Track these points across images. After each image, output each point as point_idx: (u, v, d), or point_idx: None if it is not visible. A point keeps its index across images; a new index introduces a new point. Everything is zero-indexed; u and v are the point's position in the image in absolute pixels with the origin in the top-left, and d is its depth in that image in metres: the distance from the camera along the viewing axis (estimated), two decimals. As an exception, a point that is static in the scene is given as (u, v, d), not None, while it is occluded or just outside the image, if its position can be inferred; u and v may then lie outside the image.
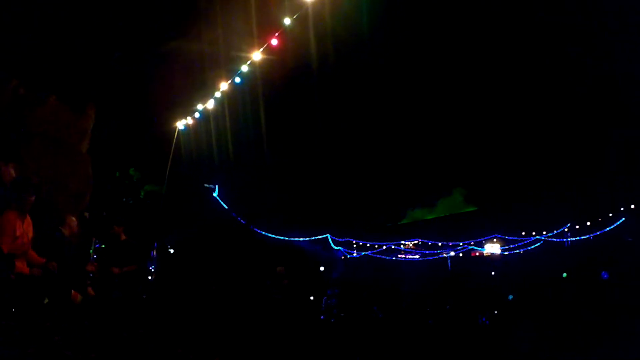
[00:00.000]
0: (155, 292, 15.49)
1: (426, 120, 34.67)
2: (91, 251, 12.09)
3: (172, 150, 17.85)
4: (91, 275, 11.25)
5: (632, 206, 42.00)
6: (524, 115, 35.11)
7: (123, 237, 12.23)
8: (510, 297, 21.95)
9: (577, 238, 45.42)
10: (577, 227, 46.29)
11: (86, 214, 12.53)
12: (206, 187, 25.28)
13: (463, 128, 35.43)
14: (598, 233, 42.87)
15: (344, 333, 19.36)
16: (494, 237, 50.40)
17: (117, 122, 15.95)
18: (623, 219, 41.51)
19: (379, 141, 34.51)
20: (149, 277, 15.70)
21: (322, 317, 23.71)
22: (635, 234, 36.29)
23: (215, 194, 25.66)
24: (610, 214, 43.29)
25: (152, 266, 16.28)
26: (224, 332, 13.21)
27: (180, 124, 17.92)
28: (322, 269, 32.56)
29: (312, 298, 24.26)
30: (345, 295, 25.40)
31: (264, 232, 30.48)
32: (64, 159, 12.16)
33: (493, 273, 40.27)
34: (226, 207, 26.41)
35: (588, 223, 45.27)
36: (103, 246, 12.41)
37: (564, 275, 25.79)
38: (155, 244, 16.63)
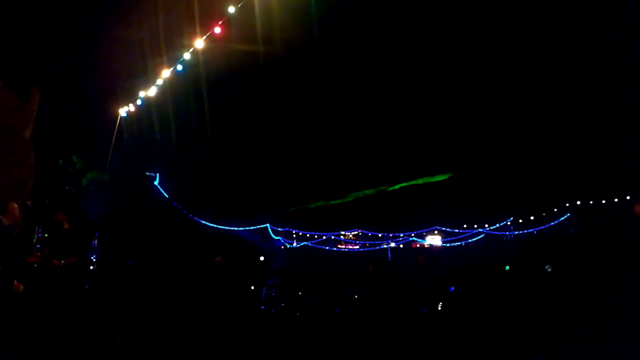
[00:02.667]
0: (97, 282, 15.56)
1: (371, 108, 34.76)
2: (34, 240, 12.07)
3: (113, 137, 17.91)
4: (35, 265, 11.28)
5: (578, 202, 43.15)
6: (471, 106, 35.28)
7: (66, 225, 12.22)
8: (452, 288, 22.42)
9: (520, 232, 46.48)
10: (520, 220, 47.40)
11: (29, 202, 12.52)
12: (147, 175, 25.22)
13: (408, 113, 35.61)
14: (542, 227, 43.94)
15: (285, 323, 19.69)
16: (435, 229, 51.12)
17: (60, 108, 15.89)
18: (568, 214, 42.61)
19: (321, 131, 34.52)
20: (91, 268, 15.70)
21: (262, 307, 23.99)
22: (579, 230, 37.21)
23: (156, 183, 25.61)
24: (555, 210, 44.44)
25: (94, 256, 16.27)
26: (163, 323, 13.42)
27: (122, 111, 18.00)
28: (262, 258, 32.79)
29: (252, 288, 24.45)
30: (285, 285, 25.71)
31: (204, 222, 30.55)
32: (7, 146, 12.16)
33: (430, 267, 40.73)
34: (167, 196, 26.38)
35: (532, 217, 46.35)
36: (46, 235, 12.39)
37: (507, 268, 26.33)
38: (97, 234, 16.62)
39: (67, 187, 17.64)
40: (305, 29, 22.03)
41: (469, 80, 33.54)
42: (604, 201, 41.86)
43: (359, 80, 32.26)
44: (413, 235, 50.90)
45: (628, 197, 32.01)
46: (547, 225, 43.59)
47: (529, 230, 45.37)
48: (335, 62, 29.26)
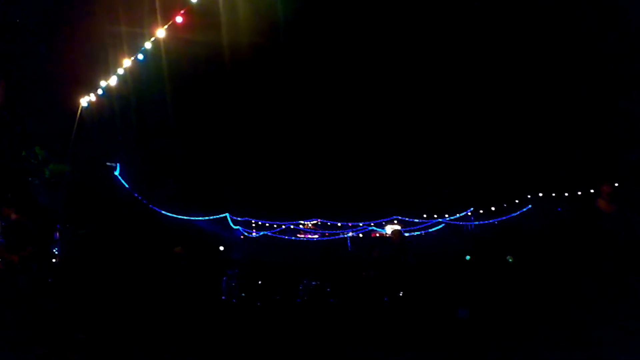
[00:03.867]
0: (61, 276, 15.55)
1: (336, 100, 34.80)
2: (-1, 235, 12.03)
3: (74, 128, 17.88)
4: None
5: (540, 194, 43.54)
6: (427, 93, 35.35)
7: (14, 216, 12.13)
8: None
9: (481, 222, 46.79)
10: (481, 211, 47.76)
11: (-7, 195, 12.45)
12: (108, 165, 25.13)
13: (368, 102, 35.65)
14: (503, 218, 44.34)
15: (246, 313, 19.85)
16: (394, 219, 51.27)
17: (22, 100, 15.83)
18: (529, 206, 43.05)
19: (284, 120, 34.51)
20: (54, 261, 15.67)
21: (223, 297, 24.13)
22: (541, 221, 37.69)
23: (116, 173, 25.53)
24: (517, 201, 44.88)
25: (56, 249, 16.22)
26: (125, 316, 13.52)
27: (84, 101, 17.96)
28: (221, 248, 32.83)
29: (213, 278, 24.57)
30: (245, 275, 25.84)
31: (164, 212, 30.48)
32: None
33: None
34: (127, 187, 26.30)
35: (493, 208, 46.71)
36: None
37: (467, 258, 26.69)
38: (59, 225, 16.57)
39: (30, 179, 17.57)
40: (272, 17, 22.05)
41: (430, 68, 33.70)
42: (566, 194, 42.27)
43: (325, 72, 32.33)
44: (372, 224, 51.07)
45: (592, 191, 32.49)
46: (508, 216, 44.05)
47: (490, 221, 45.72)
48: (302, 52, 29.29)
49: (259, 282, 26.19)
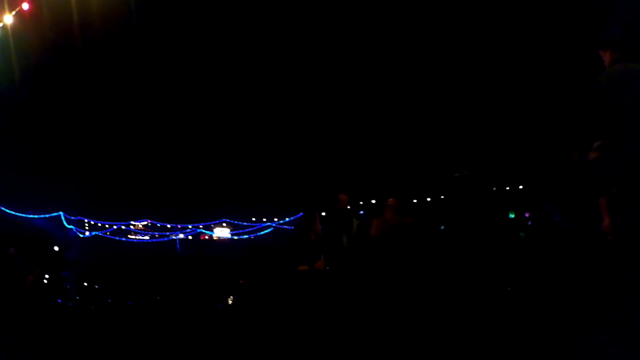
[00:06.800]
0: None
1: (168, 97, 34.22)
2: None
3: None
4: None
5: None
6: (258, 101, 35.30)
7: None
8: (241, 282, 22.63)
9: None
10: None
11: None
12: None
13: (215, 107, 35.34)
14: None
15: (84, 317, 18.97)
16: (223, 222, 51.34)
17: None
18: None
19: (118, 122, 33.60)
20: None
21: (59, 300, 23.04)
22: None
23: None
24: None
25: None
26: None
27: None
28: (56, 249, 31.44)
29: (46, 281, 23.41)
30: (80, 277, 24.92)
31: (4, 209, 28.96)
32: None
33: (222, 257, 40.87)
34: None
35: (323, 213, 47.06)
36: None
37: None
38: None
39: None
40: (123, 7, 21.29)
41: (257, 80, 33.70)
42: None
43: (168, 70, 31.69)
44: (201, 227, 51.12)
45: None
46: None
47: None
48: (153, 40, 28.46)
49: (94, 285, 25.27)
